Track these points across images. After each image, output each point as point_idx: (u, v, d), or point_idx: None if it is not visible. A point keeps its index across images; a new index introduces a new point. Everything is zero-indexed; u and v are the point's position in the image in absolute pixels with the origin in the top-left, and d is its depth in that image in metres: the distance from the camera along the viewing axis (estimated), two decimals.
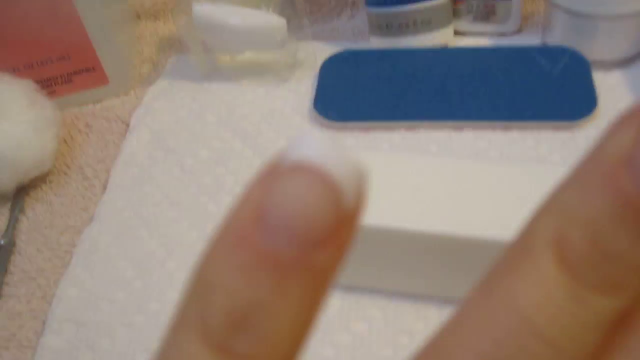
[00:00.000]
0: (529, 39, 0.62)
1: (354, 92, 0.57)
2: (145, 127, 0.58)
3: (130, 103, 0.62)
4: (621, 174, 0.14)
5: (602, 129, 0.52)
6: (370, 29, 0.62)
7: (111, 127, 0.60)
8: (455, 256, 0.40)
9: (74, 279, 0.48)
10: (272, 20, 0.57)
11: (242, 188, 0.52)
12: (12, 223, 0.53)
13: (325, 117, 0.55)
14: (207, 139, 0.57)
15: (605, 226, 0.14)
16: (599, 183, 0.14)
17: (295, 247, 0.14)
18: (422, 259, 0.41)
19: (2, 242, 0.51)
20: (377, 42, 0.62)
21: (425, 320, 0.43)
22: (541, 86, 0.55)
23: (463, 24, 0.63)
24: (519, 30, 0.63)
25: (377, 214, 0.39)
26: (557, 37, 0.58)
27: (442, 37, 0.61)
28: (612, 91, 0.55)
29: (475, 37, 0.63)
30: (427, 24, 0.59)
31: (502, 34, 0.62)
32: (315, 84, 0.59)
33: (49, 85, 0.61)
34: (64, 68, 0.61)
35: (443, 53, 0.60)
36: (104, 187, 0.55)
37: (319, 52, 0.62)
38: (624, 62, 0.57)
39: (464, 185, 0.40)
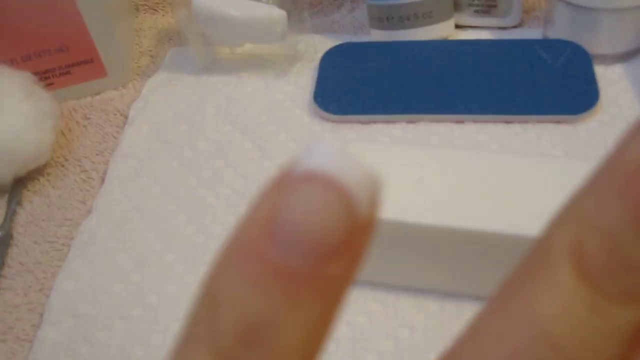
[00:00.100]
0: (531, 33, 0.61)
1: (354, 85, 0.57)
2: (144, 119, 0.58)
3: (128, 95, 0.62)
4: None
5: (603, 123, 0.52)
6: (370, 22, 0.61)
7: (109, 119, 0.60)
8: (457, 249, 0.39)
9: (72, 272, 0.48)
10: (272, 13, 0.56)
11: (243, 183, 0.52)
12: (10, 215, 0.52)
13: (325, 110, 0.55)
14: (206, 131, 0.56)
15: (625, 235, 0.13)
16: (618, 190, 0.14)
17: (308, 260, 0.13)
18: (423, 252, 0.41)
19: None
20: (377, 35, 0.61)
21: (426, 314, 0.43)
22: (542, 80, 0.55)
23: (464, 17, 0.62)
24: (520, 24, 0.62)
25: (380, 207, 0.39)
26: (559, 31, 0.58)
27: (443, 31, 0.61)
28: (613, 85, 0.55)
29: (477, 30, 0.62)
30: (428, 17, 0.59)
31: (503, 28, 0.62)
32: (315, 76, 0.58)
33: (47, 77, 0.60)
34: (62, 60, 0.60)
35: (444, 46, 0.59)
36: (102, 180, 0.54)
37: (319, 45, 0.62)
38: (626, 56, 0.57)
39: (467, 178, 0.40)
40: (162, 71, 0.63)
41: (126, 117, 0.59)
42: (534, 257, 0.15)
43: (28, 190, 0.55)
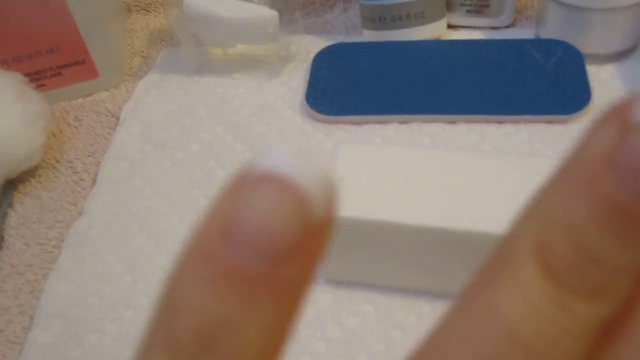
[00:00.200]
0: (523, 33, 0.61)
1: (347, 85, 0.56)
2: (135, 120, 0.58)
3: (120, 96, 0.62)
4: (604, 175, 0.13)
5: None
6: (362, 22, 0.61)
7: (101, 120, 0.59)
8: (447, 250, 0.39)
9: (62, 274, 0.47)
10: (263, 13, 0.56)
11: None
12: (1, 218, 0.52)
13: (317, 111, 0.55)
14: (198, 132, 0.56)
15: (590, 230, 0.13)
16: (582, 185, 0.14)
17: (263, 261, 0.13)
18: (415, 253, 0.40)
19: None
20: (369, 36, 0.61)
21: (418, 315, 0.43)
22: (535, 80, 0.54)
23: (456, 17, 0.62)
24: (512, 24, 0.62)
25: (368, 207, 0.39)
26: (551, 31, 0.58)
27: (436, 31, 0.61)
28: (606, 85, 0.55)
29: (469, 30, 0.62)
30: (420, 17, 0.59)
31: (495, 28, 0.62)
32: (307, 77, 0.58)
33: (38, 78, 0.60)
34: (53, 61, 0.60)
35: (436, 46, 0.59)
36: (94, 181, 0.54)
37: (311, 45, 0.62)
38: (618, 56, 0.57)
39: (459, 178, 0.40)
40: (153, 72, 0.63)
41: (118, 119, 0.59)
42: (499, 256, 0.15)
43: (19, 192, 0.54)
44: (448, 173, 0.40)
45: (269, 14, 0.56)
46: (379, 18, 0.59)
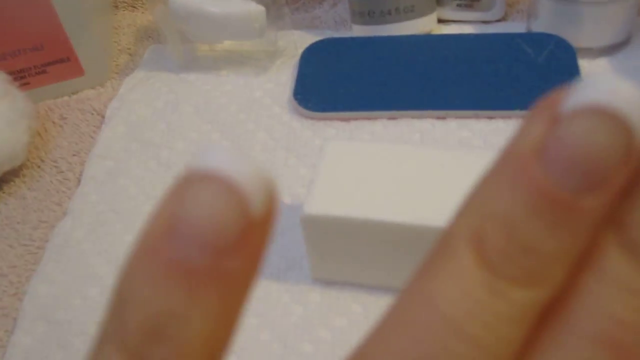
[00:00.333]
0: (514, 27, 0.60)
1: (335, 81, 0.56)
2: (121, 119, 0.57)
3: (106, 94, 0.61)
4: (533, 165, 0.14)
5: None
6: (352, 17, 0.60)
7: (86, 119, 0.58)
8: None
9: (46, 276, 0.46)
10: (250, 9, 0.55)
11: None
12: None
13: (304, 107, 0.54)
14: (184, 130, 0.55)
15: (520, 218, 0.14)
16: (512, 176, 0.14)
17: (205, 256, 0.14)
18: (404, 252, 0.40)
19: None
20: (359, 30, 0.60)
21: None
22: (526, 74, 0.54)
23: (447, 12, 0.61)
24: (503, 18, 0.61)
25: (356, 205, 0.38)
26: (543, 24, 0.57)
27: (426, 25, 0.60)
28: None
29: (460, 24, 0.61)
30: (410, 11, 0.58)
31: (486, 22, 0.61)
32: (295, 73, 0.57)
33: (23, 76, 0.59)
34: (38, 59, 0.59)
35: (426, 41, 0.58)
36: (79, 181, 0.53)
37: (299, 41, 0.61)
38: (610, 50, 0.56)
39: (445, 175, 0.39)
40: (140, 69, 0.62)
41: (103, 117, 0.58)
42: (438, 247, 0.15)
43: (3, 192, 0.54)
44: (436, 170, 0.39)
45: (256, 9, 0.55)
46: (368, 12, 0.58)
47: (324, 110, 0.54)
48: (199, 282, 0.14)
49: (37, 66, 0.59)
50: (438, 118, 0.52)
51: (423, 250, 0.39)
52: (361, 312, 0.42)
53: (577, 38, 0.55)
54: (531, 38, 0.56)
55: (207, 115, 0.56)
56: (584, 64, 0.55)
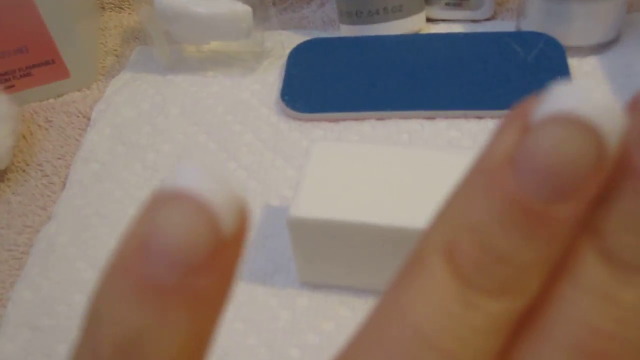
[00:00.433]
0: (504, 25, 0.60)
1: (323, 82, 0.55)
2: (106, 121, 0.56)
3: (92, 97, 0.60)
4: (505, 175, 0.14)
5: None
6: (339, 17, 0.60)
7: (72, 121, 0.58)
8: None
9: (30, 282, 0.46)
10: (236, 9, 0.54)
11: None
12: None
13: (292, 108, 0.53)
14: (171, 132, 0.54)
15: (493, 229, 0.14)
16: (484, 186, 0.14)
17: (175, 274, 0.14)
18: (392, 255, 0.39)
19: None
20: (347, 30, 0.60)
21: None
22: (515, 73, 0.53)
23: (435, 11, 0.61)
24: (493, 17, 0.61)
25: (343, 208, 0.37)
26: (532, 23, 0.56)
27: (414, 24, 0.59)
28: (588, 77, 0.54)
29: (449, 23, 0.61)
30: (398, 10, 0.58)
31: (475, 21, 0.61)
32: (283, 74, 0.57)
33: (7, 79, 0.59)
34: (22, 61, 0.58)
35: (415, 40, 0.58)
36: (64, 185, 0.53)
37: (287, 41, 0.60)
38: (600, 48, 0.55)
39: (433, 176, 0.38)
40: (126, 71, 0.61)
41: (89, 119, 0.57)
42: (411, 259, 0.15)
43: None
44: (424, 171, 0.39)
45: (242, 9, 0.55)
46: (355, 12, 0.58)
47: (311, 111, 0.53)
48: (170, 300, 0.14)
49: (22, 68, 0.59)
50: (427, 118, 0.52)
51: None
52: (349, 316, 0.42)
53: (567, 36, 0.55)
54: (520, 37, 0.56)
55: (194, 116, 0.55)
56: (573, 62, 0.55)
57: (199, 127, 0.54)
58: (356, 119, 0.53)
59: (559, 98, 0.14)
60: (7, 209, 0.52)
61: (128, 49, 0.65)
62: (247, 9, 0.55)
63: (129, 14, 0.69)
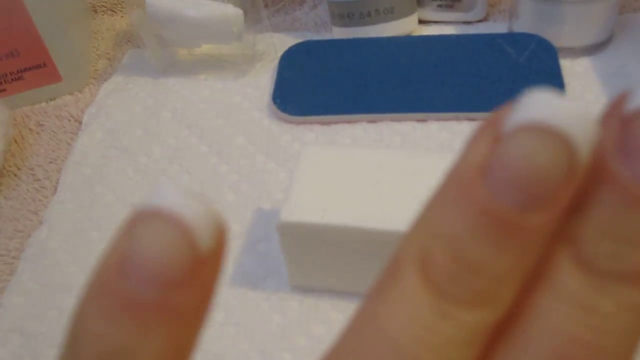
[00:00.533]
0: (496, 27, 0.60)
1: (315, 84, 0.55)
2: (98, 125, 0.56)
3: (84, 100, 0.60)
4: (477, 185, 0.14)
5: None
6: (332, 19, 0.60)
7: (63, 125, 0.58)
8: None
9: (20, 287, 0.46)
10: (228, 12, 0.54)
11: (199, 188, 0.50)
12: None
13: (283, 111, 0.53)
14: (162, 136, 0.54)
15: (466, 240, 0.14)
16: (457, 196, 0.14)
17: (154, 290, 0.14)
18: (383, 259, 0.39)
19: None
20: (339, 33, 0.60)
21: None
22: (507, 75, 0.53)
23: (428, 12, 0.61)
24: (485, 18, 0.61)
25: (334, 212, 0.37)
26: (524, 24, 0.56)
27: (406, 26, 0.59)
28: (580, 79, 0.54)
29: (441, 25, 0.61)
30: (389, 12, 0.57)
31: (468, 22, 0.61)
32: (275, 77, 0.56)
33: None
34: (14, 65, 0.58)
35: (407, 42, 0.58)
36: (55, 189, 0.52)
37: (279, 43, 0.60)
38: (592, 49, 0.55)
39: (424, 179, 0.38)
40: (118, 74, 0.61)
41: (81, 123, 0.57)
42: (387, 270, 0.15)
43: None
44: (415, 175, 0.39)
45: (234, 12, 0.54)
46: (347, 15, 0.58)
47: (303, 114, 0.53)
48: (150, 316, 0.14)
49: (13, 72, 0.58)
50: (418, 121, 0.52)
51: None
52: (340, 320, 0.42)
53: (559, 38, 0.55)
54: (512, 38, 0.56)
55: (186, 120, 0.55)
56: (566, 63, 0.55)
57: (191, 130, 0.54)
58: (348, 122, 0.52)
59: (530, 107, 0.14)
60: None
61: (120, 52, 0.65)
62: (238, 12, 0.55)
63: (121, 17, 0.69)
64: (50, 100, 0.61)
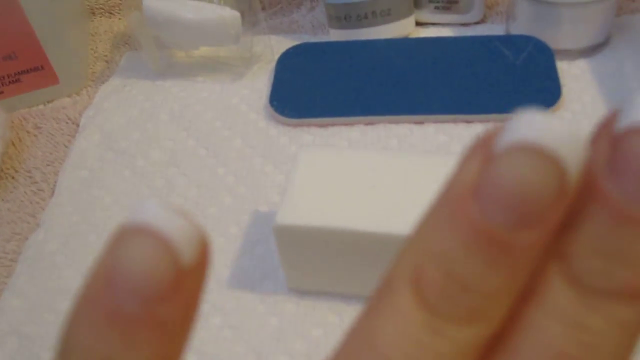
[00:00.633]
0: (493, 29, 0.60)
1: (312, 86, 0.55)
2: (95, 127, 0.56)
3: (81, 102, 0.60)
4: (469, 204, 0.14)
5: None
6: (328, 21, 0.60)
7: (61, 128, 0.58)
8: None
9: (17, 289, 0.46)
10: (225, 14, 0.54)
11: (196, 191, 0.50)
12: None
13: (280, 114, 0.53)
14: (160, 138, 0.54)
15: (458, 258, 0.14)
16: (449, 215, 0.14)
17: (138, 304, 0.15)
18: (380, 261, 0.39)
19: None
20: (336, 35, 0.60)
21: None
22: (504, 77, 0.53)
23: (425, 14, 0.61)
24: (482, 20, 0.61)
25: (330, 215, 0.37)
26: (521, 26, 0.56)
27: (403, 28, 0.59)
28: (576, 81, 0.54)
29: (438, 27, 0.61)
30: (386, 14, 0.58)
31: (465, 24, 0.61)
32: (272, 79, 0.56)
33: None
34: (11, 67, 0.58)
35: (404, 44, 0.58)
36: (53, 192, 0.52)
37: (277, 46, 0.60)
38: (589, 51, 0.55)
39: (421, 182, 0.38)
40: (116, 77, 0.61)
41: (78, 126, 0.57)
42: (381, 286, 0.15)
43: None
44: (413, 177, 0.39)
45: (231, 14, 0.54)
46: (344, 17, 0.58)
47: (300, 116, 0.53)
48: (134, 329, 0.15)
49: (11, 75, 0.58)
50: (416, 123, 0.52)
51: None
52: (337, 322, 0.42)
53: (556, 40, 0.55)
54: (509, 40, 0.56)
55: (183, 122, 0.55)
56: (563, 65, 0.55)
57: (188, 132, 0.54)
58: (345, 124, 0.53)
59: (521, 127, 0.14)
60: None
61: (118, 54, 0.65)
62: (235, 14, 0.55)
63: (119, 19, 0.69)
64: (48, 102, 0.61)
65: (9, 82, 0.59)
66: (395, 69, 0.55)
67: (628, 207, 0.14)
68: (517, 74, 0.53)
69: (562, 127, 0.14)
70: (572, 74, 0.54)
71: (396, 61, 0.56)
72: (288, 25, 0.64)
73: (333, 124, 0.53)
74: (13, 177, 0.54)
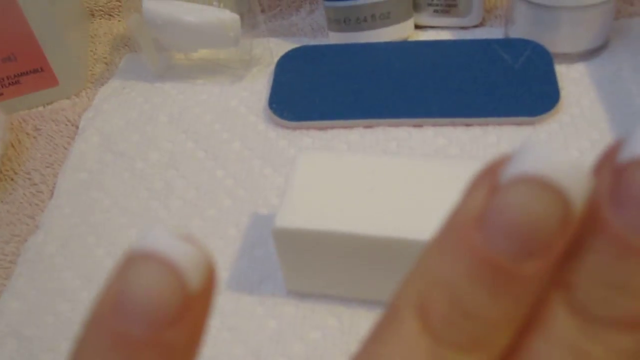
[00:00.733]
0: (492, 32, 0.60)
1: (311, 89, 0.55)
2: (94, 129, 0.56)
3: (81, 104, 0.60)
4: (474, 233, 0.14)
5: (565, 123, 0.51)
6: (328, 24, 0.60)
7: (60, 130, 0.58)
8: (412, 261, 0.38)
9: (16, 291, 0.46)
10: (224, 17, 0.54)
11: (195, 194, 0.50)
12: None
13: (280, 116, 0.53)
14: (159, 141, 0.54)
15: (463, 285, 0.14)
16: (455, 243, 0.15)
17: (146, 328, 0.15)
18: (379, 264, 0.39)
19: None
20: (335, 38, 0.60)
21: None
22: (503, 81, 0.53)
23: (424, 18, 0.61)
24: (481, 23, 0.61)
25: (328, 218, 0.38)
26: (520, 30, 0.57)
27: (402, 31, 0.59)
28: (575, 84, 0.54)
29: (437, 30, 0.61)
30: (386, 17, 0.58)
31: (464, 27, 0.61)
32: (271, 82, 0.57)
33: None
34: (11, 69, 0.58)
35: (403, 48, 0.58)
36: (52, 193, 0.52)
37: (276, 48, 0.60)
38: (587, 55, 0.56)
39: (420, 185, 0.38)
40: (115, 79, 0.61)
41: (78, 127, 0.57)
42: (387, 313, 0.16)
43: None
44: (411, 180, 0.39)
45: (230, 17, 0.55)
46: (343, 20, 0.58)
47: (299, 119, 0.53)
48: (142, 353, 0.15)
49: (10, 77, 0.58)
50: (415, 126, 0.52)
51: (398, 263, 0.38)
52: (336, 325, 0.42)
53: (555, 43, 0.55)
54: (508, 44, 0.56)
55: (182, 124, 0.55)
56: (561, 69, 0.55)
57: (187, 135, 0.54)
58: (344, 127, 0.53)
59: (527, 159, 0.14)
60: None
61: (117, 56, 0.65)
62: (234, 17, 0.55)
63: (119, 21, 0.69)
64: (47, 104, 0.61)
65: (9, 83, 0.59)
66: (395, 72, 0.55)
67: (630, 238, 0.14)
68: (516, 78, 0.53)
69: (566, 159, 0.14)
70: (571, 78, 0.54)
71: (395, 64, 0.56)
72: (287, 28, 0.64)
73: (332, 127, 0.53)
74: (12, 179, 0.54)
